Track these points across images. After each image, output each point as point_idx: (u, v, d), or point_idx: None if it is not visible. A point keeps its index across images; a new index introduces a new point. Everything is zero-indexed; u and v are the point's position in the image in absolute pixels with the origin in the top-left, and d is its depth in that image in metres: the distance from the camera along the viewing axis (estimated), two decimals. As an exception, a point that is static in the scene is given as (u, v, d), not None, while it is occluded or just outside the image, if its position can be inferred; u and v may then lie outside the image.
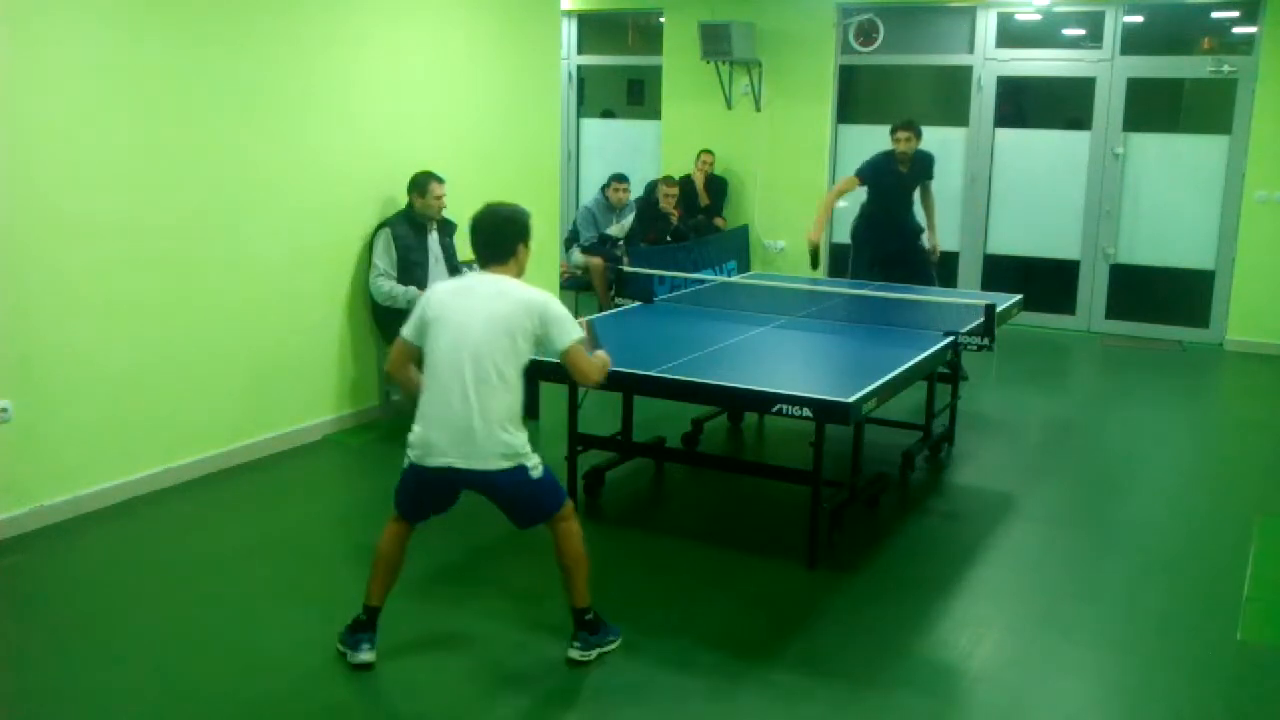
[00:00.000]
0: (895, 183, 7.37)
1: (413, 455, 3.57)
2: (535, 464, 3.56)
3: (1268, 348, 8.70)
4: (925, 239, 7.54)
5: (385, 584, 3.68)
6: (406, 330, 3.64)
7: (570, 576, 3.66)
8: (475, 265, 3.69)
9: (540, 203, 7.68)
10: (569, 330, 3.52)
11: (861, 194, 7.58)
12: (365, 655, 3.62)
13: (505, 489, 3.54)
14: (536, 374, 4.01)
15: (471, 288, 3.58)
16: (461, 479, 3.54)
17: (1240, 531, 4.99)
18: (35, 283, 4.62)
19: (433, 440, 3.49)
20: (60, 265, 4.70)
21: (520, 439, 3.51)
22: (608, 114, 11.68)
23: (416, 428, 3.54)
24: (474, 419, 3.42)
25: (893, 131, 7.18)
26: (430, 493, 3.64)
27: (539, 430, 6.33)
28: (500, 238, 3.59)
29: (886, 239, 7.47)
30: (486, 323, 3.45)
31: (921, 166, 7.37)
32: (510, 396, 3.49)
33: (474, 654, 3.78)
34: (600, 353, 3.80)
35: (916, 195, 7.51)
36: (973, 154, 9.75)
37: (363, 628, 3.66)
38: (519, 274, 3.63)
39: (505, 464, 3.49)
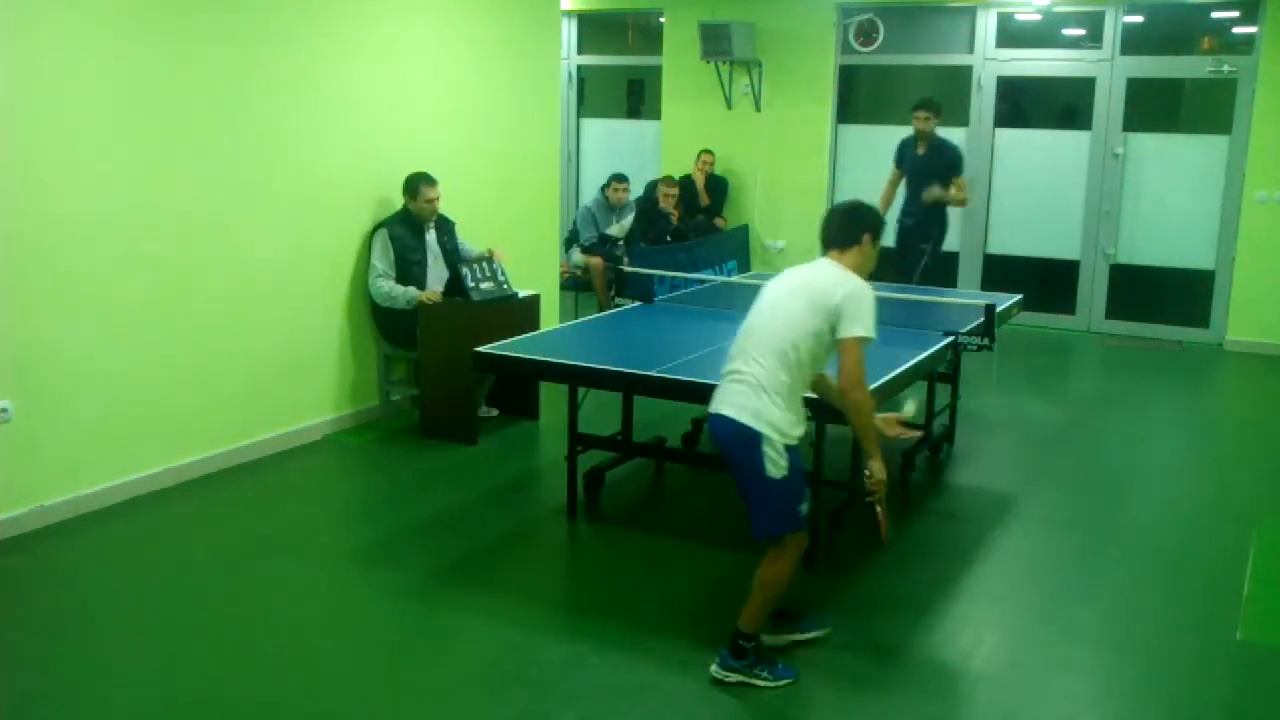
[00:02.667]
0: (912, 165, 7.38)
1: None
2: (776, 458, 3.40)
3: (1268, 348, 8.71)
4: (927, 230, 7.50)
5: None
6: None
7: (751, 595, 3.56)
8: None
9: (540, 203, 7.70)
10: (858, 324, 3.42)
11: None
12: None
13: (736, 452, 3.44)
14: (536, 374, 4.01)
15: (803, 266, 3.63)
16: (715, 427, 3.51)
17: (1240, 531, 4.99)
18: (35, 282, 4.62)
19: (715, 392, 3.56)
20: (60, 265, 4.70)
21: (770, 408, 3.38)
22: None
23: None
24: (737, 364, 3.47)
25: (913, 111, 7.21)
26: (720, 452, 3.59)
27: (539, 430, 6.34)
28: (847, 223, 3.62)
29: (909, 219, 7.48)
30: (793, 289, 3.53)
31: (944, 158, 7.32)
32: (783, 363, 3.40)
33: (474, 654, 3.78)
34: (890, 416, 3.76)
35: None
36: (973, 154, 9.74)
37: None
38: (857, 267, 3.59)
39: (743, 419, 3.39)
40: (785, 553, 3.53)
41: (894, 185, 7.68)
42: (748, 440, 3.40)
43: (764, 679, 3.58)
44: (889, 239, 7.24)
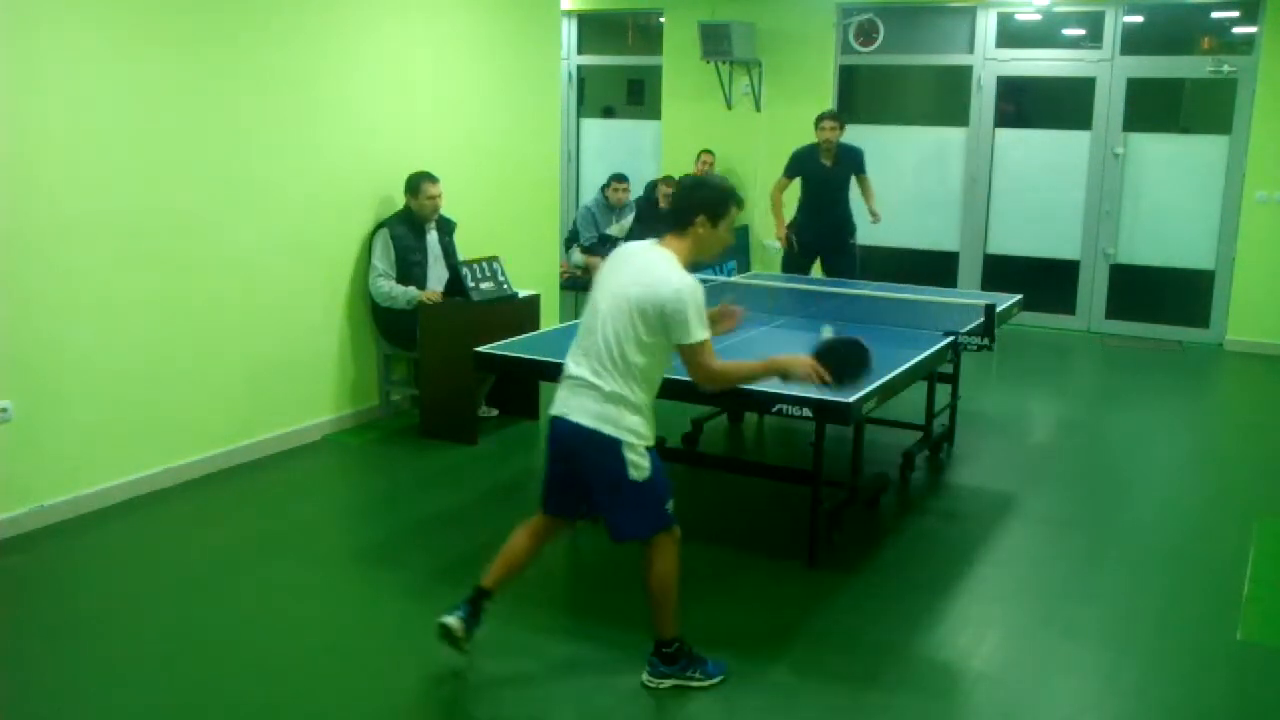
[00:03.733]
0: (819, 174, 7.41)
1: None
2: (637, 462, 3.33)
3: (1268, 348, 8.71)
4: (857, 235, 7.71)
5: (504, 571, 3.64)
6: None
7: (649, 604, 3.51)
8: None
9: (540, 203, 7.70)
10: (693, 329, 3.29)
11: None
12: (450, 620, 3.54)
13: (596, 463, 3.34)
14: (536, 374, 4.01)
15: (630, 255, 3.47)
16: (567, 435, 3.38)
17: (1240, 531, 4.99)
18: (36, 283, 4.62)
19: (556, 391, 3.47)
20: (60, 265, 4.70)
21: (624, 416, 3.31)
22: (608, 112, 11.68)
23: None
24: (586, 376, 3.34)
25: (817, 123, 7.24)
26: (558, 454, 3.50)
27: (539, 430, 6.33)
28: (679, 202, 3.48)
29: (813, 230, 7.62)
30: (621, 292, 3.33)
31: (850, 160, 7.41)
32: (625, 372, 3.32)
33: (474, 653, 3.78)
34: (783, 359, 3.62)
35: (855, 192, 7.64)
36: (973, 154, 9.76)
37: (468, 600, 3.60)
38: (691, 252, 3.47)
39: (602, 429, 3.30)
40: (662, 551, 3.45)
41: (781, 192, 7.74)
42: (606, 448, 3.31)
43: (697, 679, 3.55)
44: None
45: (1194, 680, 3.75)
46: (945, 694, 3.62)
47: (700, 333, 3.29)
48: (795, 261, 7.80)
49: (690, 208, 3.42)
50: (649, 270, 3.33)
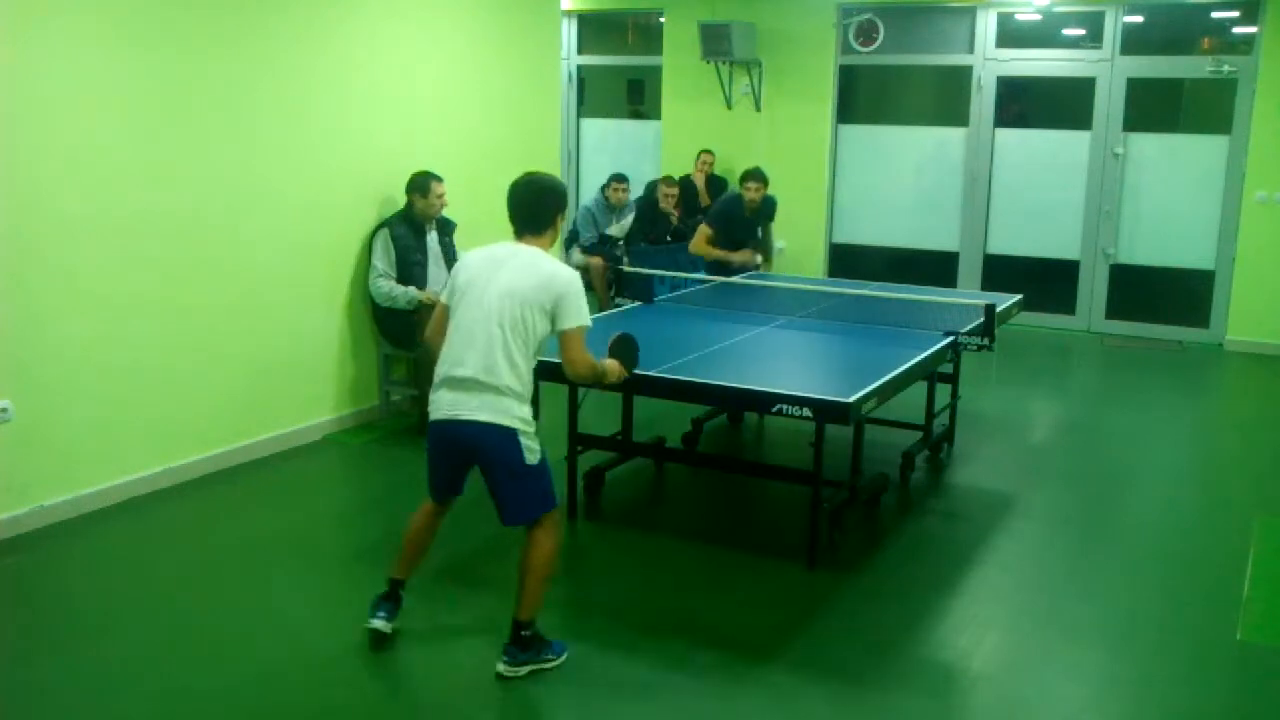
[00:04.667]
0: (741, 224, 7.37)
1: (429, 411, 3.63)
2: (531, 446, 3.54)
3: (1268, 348, 8.71)
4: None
5: (411, 559, 3.84)
6: (444, 295, 3.68)
7: (521, 585, 3.61)
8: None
9: (540, 203, 7.68)
10: (577, 316, 3.51)
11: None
12: (377, 623, 3.76)
13: (494, 453, 3.51)
14: (537, 374, 4.02)
15: (502, 256, 3.58)
16: (460, 434, 3.52)
17: (1240, 531, 4.99)
18: (36, 282, 4.62)
19: (438, 396, 3.57)
20: (60, 265, 4.70)
21: (517, 406, 3.50)
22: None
23: (433, 386, 3.61)
24: (478, 375, 3.46)
25: (741, 181, 7.17)
26: (443, 454, 3.65)
27: (539, 430, 6.32)
28: (539, 207, 3.62)
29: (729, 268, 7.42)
30: (508, 289, 3.48)
31: (765, 210, 7.39)
32: (517, 364, 3.49)
33: (474, 653, 3.78)
34: (609, 361, 3.81)
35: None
36: (973, 154, 9.76)
37: (385, 598, 3.80)
38: (550, 247, 3.68)
39: (499, 421, 3.47)
40: (546, 532, 3.61)
41: (710, 242, 7.49)
42: (505, 439, 3.49)
43: (551, 659, 3.65)
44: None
45: (1194, 680, 3.75)
46: (945, 694, 3.62)
47: (586, 319, 3.54)
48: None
49: (549, 209, 3.64)
50: (536, 265, 3.53)
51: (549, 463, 3.65)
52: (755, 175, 7.17)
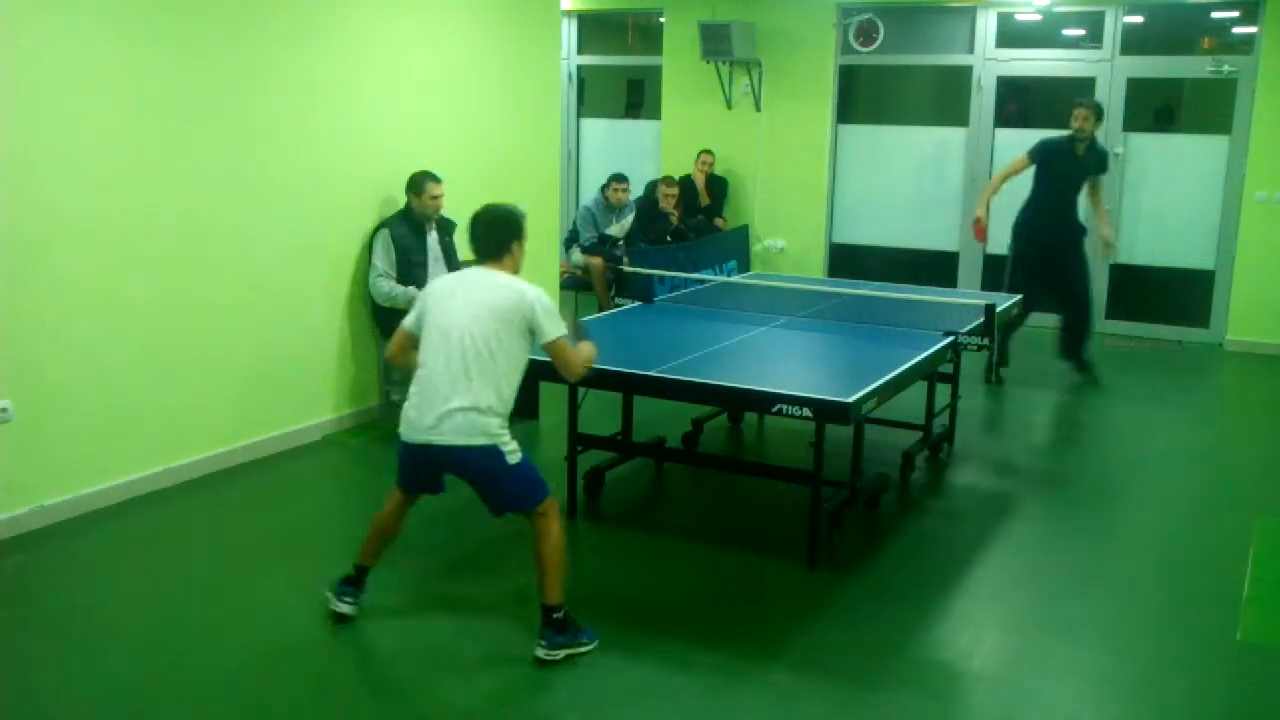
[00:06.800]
0: (1068, 166, 7.36)
1: (400, 431, 3.75)
2: (512, 449, 3.66)
3: (1268, 348, 8.71)
4: (1090, 241, 7.55)
5: (376, 545, 3.97)
6: (408, 321, 3.83)
7: (541, 573, 3.71)
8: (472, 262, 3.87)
9: (540, 203, 7.69)
10: (555, 326, 3.68)
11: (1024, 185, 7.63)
12: (343, 606, 3.92)
13: (476, 468, 3.65)
14: (536, 374, 4.03)
15: (468, 280, 3.76)
16: (438, 456, 3.66)
17: (1240, 531, 4.99)
18: (35, 283, 4.62)
19: (413, 418, 3.67)
20: (61, 265, 4.70)
21: (496, 424, 3.63)
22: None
23: (406, 406, 3.73)
24: (454, 400, 3.58)
25: (1073, 110, 7.25)
26: (416, 468, 3.80)
27: (539, 430, 6.33)
28: (495, 235, 3.79)
29: (1046, 234, 7.49)
30: (477, 311, 3.63)
31: (1096, 158, 7.37)
32: (495, 383, 3.62)
33: (475, 652, 3.78)
34: (585, 344, 3.93)
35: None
36: (973, 154, 9.76)
37: (350, 582, 3.96)
38: (515, 271, 3.82)
39: (478, 441, 3.60)
40: (548, 520, 3.70)
41: (1006, 178, 7.70)
42: (488, 456, 3.63)
43: (584, 644, 3.73)
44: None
45: (1194, 680, 3.75)
46: (945, 694, 3.63)
47: (562, 326, 3.73)
48: (1013, 279, 7.56)
49: (506, 237, 3.80)
50: (505, 287, 3.69)
51: (528, 456, 3.75)
52: (1082, 104, 7.22)
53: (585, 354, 3.87)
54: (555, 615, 3.68)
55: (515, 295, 3.64)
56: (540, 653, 3.66)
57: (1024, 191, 7.68)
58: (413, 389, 3.71)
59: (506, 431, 3.67)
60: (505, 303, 3.63)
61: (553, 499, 3.77)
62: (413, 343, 3.80)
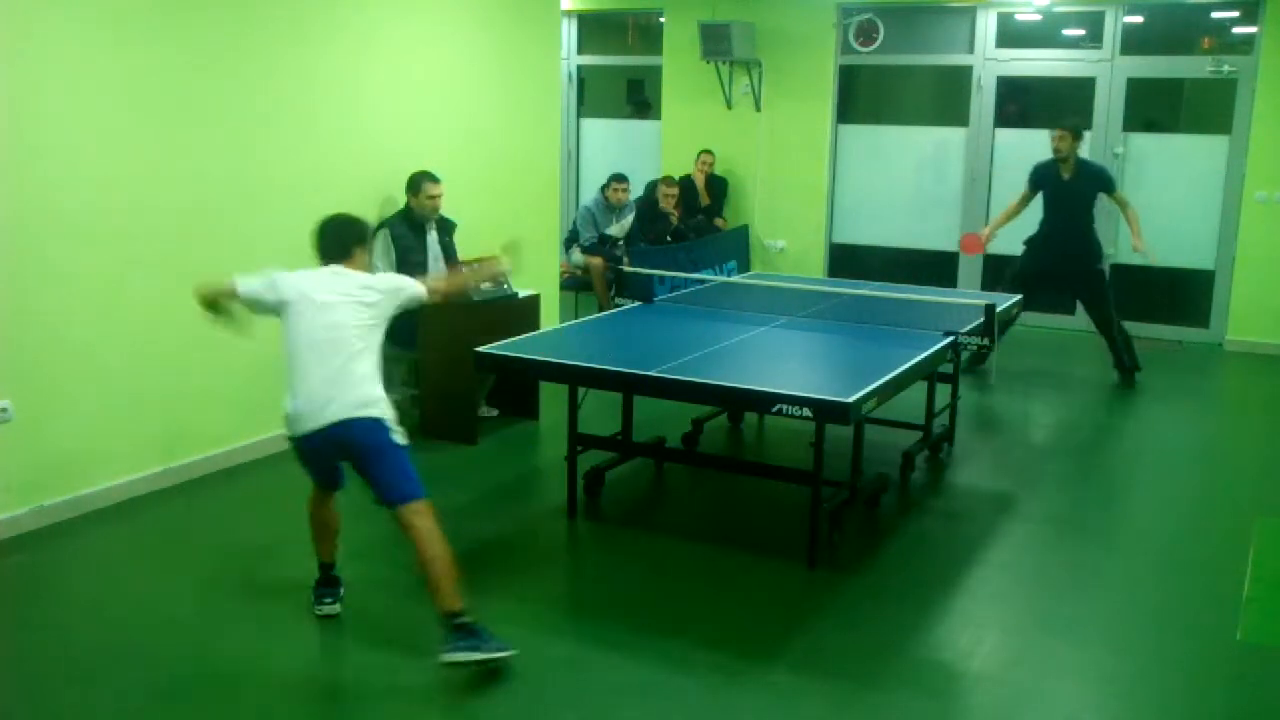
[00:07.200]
0: (1058, 189, 7.40)
1: (287, 432, 3.84)
2: (399, 431, 3.76)
3: (1268, 348, 8.71)
4: (1106, 261, 7.64)
5: (325, 541, 4.06)
6: (248, 288, 3.94)
7: (432, 579, 3.62)
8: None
9: (540, 203, 7.70)
10: (408, 287, 3.97)
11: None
12: (325, 609, 4.00)
13: (363, 442, 3.70)
14: (536, 374, 4.03)
15: (327, 276, 3.91)
16: (331, 435, 3.70)
17: (1240, 531, 4.99)
18: (35, 282, 4.62)
19: (296, 412, 3.76)
20: (61, 265, 4.70)
21: (382, 404, 3.75)
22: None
23: (285, 403, 3.81)
24: (338, 388, 3.70)
25: (1051, 131, 7.33)
26: (315, 459, 3.88)
27: (539, 430, 6.34)
28: (339, 238, 3.98)
29: (1047, 253, 7.51)
30: (346, 301, 3.80)
31: (1092, 178, 7.38)
32: (369, 359, 3.79)
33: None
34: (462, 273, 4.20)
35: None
36: (973, 154, 9.76)
37: (323, 584, 4.04)
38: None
39: (362, 412, 3.68)
40: (425, 517, 3.69)
41: (1020, 206, 7.78)
42: (376, 429, 3.72)
43: (494, 650, 3.59)
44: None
45: (1194, 680, 3.75)
46: (945, 694, 3.63)
47: (414, 284, 4.02)
48: (1009, 284, 7.54)
49: (350, 242, 4.00)
50: (351, 276, 3.90)
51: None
52: (1060, 124, 7.24)
53: (452, 281, 4.13)
54: (456, 620, 3.56)
55: (363, 279, 3.87)
56: (445, 657, 3.54)
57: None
58: (291, 386, 3.79)
59: (392, 412, 3.77)
60: (358, 286, 3.82)
61: (429, 502, 3.72)
62: (233, 297, 3.93)
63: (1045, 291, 6.96)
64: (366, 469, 3.75)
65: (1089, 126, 9.22)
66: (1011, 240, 8.47)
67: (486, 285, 4.12)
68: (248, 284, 3.92)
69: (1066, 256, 7.48)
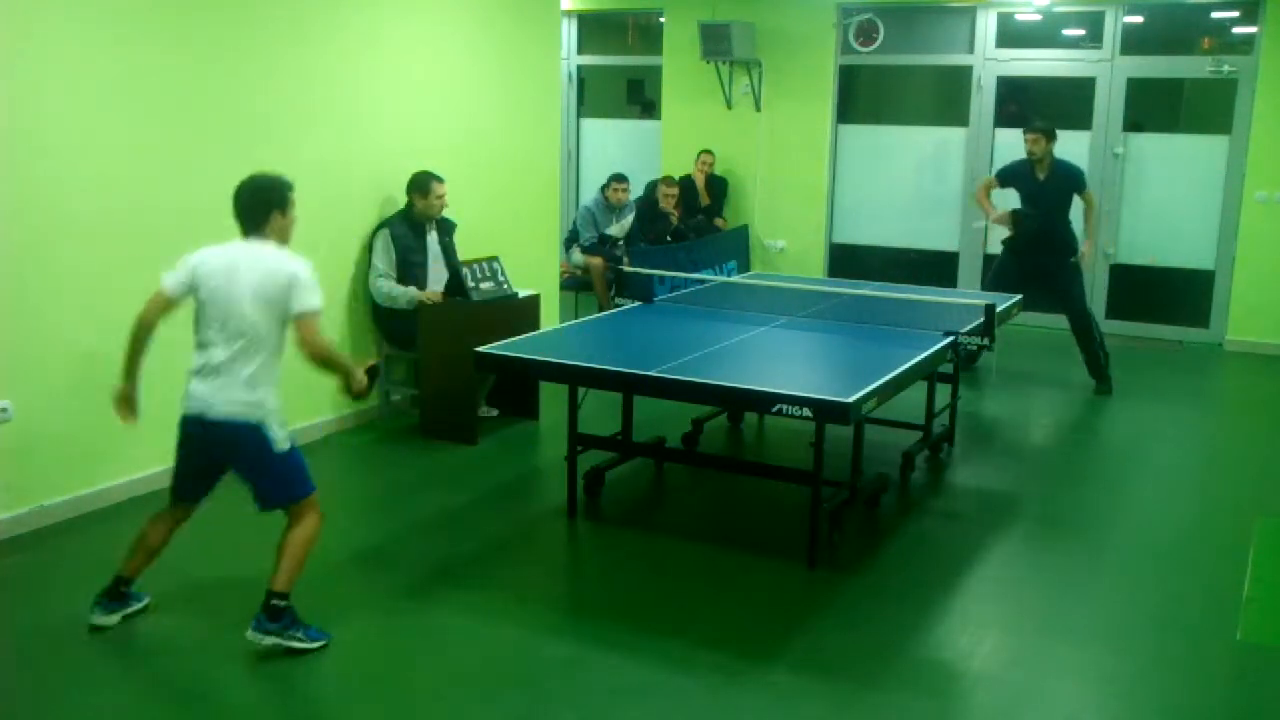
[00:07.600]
0: (1032, 189, 7.45)
1: (182, 407, 3.75)
2: (281, 437, 3.69)
3: (1268, 348, 8.71)
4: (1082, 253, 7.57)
5: (142, 563, 3.98)
6: (170, 286, 3.77)
7: (281, 558, 3.70)
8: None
9: (540, 203, 7.70)
10: (310, 298, 3.65)
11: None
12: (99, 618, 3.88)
13: (243, 448, 3.67)
14: (536, 374, 4.03)
15: (239, 259, 3.70)
16: (212, 429, 3.66)
17: (1240, 531, 4.99)
18: (36, 282, 4.62)
19: (193, 388, 3.70)
20: (60, 265, 4.70)
21: (267, 407, 3.67)
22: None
23: (189, 382, 3.74)
24: (230, 377, 3.63)
25: (1024, 133, 7.36)
26: (193, 446, 3.77)
27: (539, 430, 6.34)
28: (255, 205, 3.74)
29: (1028, 250, 7.52)
30: (251, 293, 3.63)
31: (1066, 178, 7.42)
32: (262, 359, 3.67)
33: (473, 654, 3.78)
34: (346, 359, 3.94)
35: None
36: (973, 154, 9.76)
37: (107, 595, 3.92)
38: (283, 242, 3.78)
39: (248, 418, 3.63)
40: (309, 515, 3.74)
41: (986, 192, 7.79)
42: (252, 433, 3.65)
43: (300, 640, 3.67)
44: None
45: (1194, 680, 3.75)
46: (945, 694, 3.63)
47: (319, 301, 3.68)
48: (993, 280, 7.60)
49: (262, 207, 3.74)
50: (264, 259, 3.67)
51: (300, 451, 3.79)
52: (1032, 127, 7.32)
53: (332, 350, 3.81)
54: (276, 603, 3.65)
55: (274, 266, 3.64)
56: (250, 634, 3.63)
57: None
58: (195, 364, 3.71)
59: (275, 413, 3.69)
60: (271, 283, 3.61)
61: (314, 496, 3.77)
62: (169, 307, 3.76)
63: (1026, 290, 7.00)
64: (245, 477, 3.75)
65: (1089, 125, 9.24)
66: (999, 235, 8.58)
67: (342, 386, 3.94)
68: (169, 285, 3.79)
69: (1041, 250, 7.51)
